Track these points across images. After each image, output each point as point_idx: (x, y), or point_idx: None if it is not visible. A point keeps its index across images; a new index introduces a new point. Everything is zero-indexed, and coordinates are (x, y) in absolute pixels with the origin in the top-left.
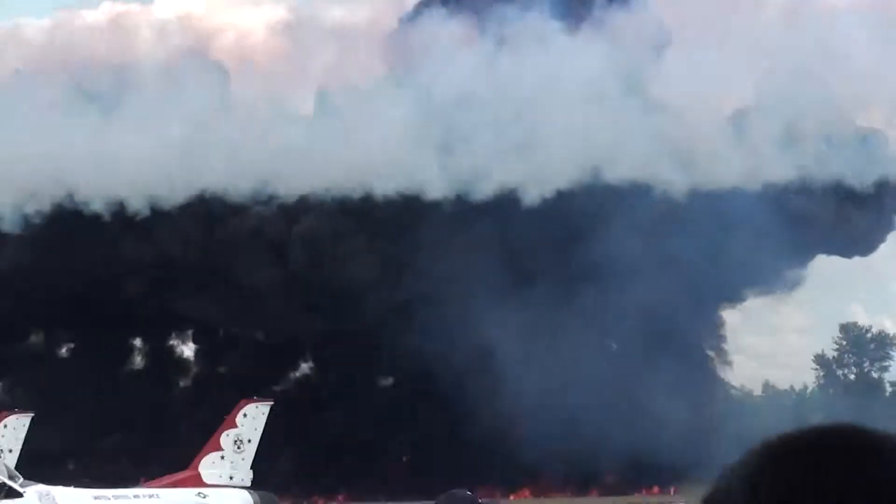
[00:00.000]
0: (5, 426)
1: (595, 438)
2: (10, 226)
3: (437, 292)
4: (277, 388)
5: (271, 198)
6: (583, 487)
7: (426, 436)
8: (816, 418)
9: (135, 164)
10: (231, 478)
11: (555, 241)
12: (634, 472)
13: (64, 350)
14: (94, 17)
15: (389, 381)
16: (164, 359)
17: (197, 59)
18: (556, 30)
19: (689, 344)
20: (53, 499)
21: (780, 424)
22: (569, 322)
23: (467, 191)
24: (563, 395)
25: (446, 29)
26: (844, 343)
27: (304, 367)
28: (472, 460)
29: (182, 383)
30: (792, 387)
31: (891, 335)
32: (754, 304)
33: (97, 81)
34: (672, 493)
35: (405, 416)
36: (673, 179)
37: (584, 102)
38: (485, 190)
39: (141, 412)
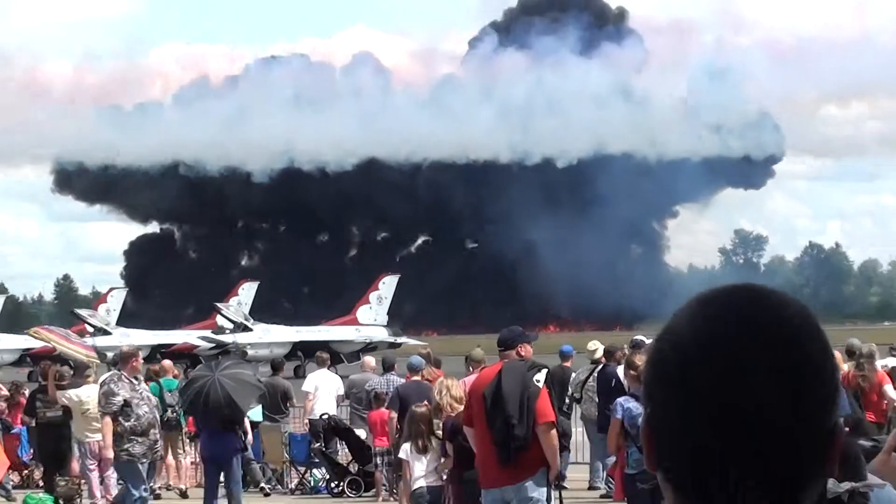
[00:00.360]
0: (243, 289)
1: (594, 295)
2: (261, 176)
3: (505, 211)
4: (403, 255)
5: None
6: (581, 325)
7: (495, 293)
8: None
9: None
10: (375, 319)
11: (576, 185)
12: (617, 316)
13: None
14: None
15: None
16: (345, 249)
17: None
18: (574, 55)
19: (649, 240)
20: (270, 332)
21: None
22: (581, 228)
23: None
24: (578, 271)
25: (500, 52)
26: (737, 241)
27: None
28: (522, 309)
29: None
30: (706, 267)
31: (763, 236)
32: (686, 216)
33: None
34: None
35: (484, 281)
36: (645, 151)
37: (594, 101)
38: (536, 153)
39: (325, 278)
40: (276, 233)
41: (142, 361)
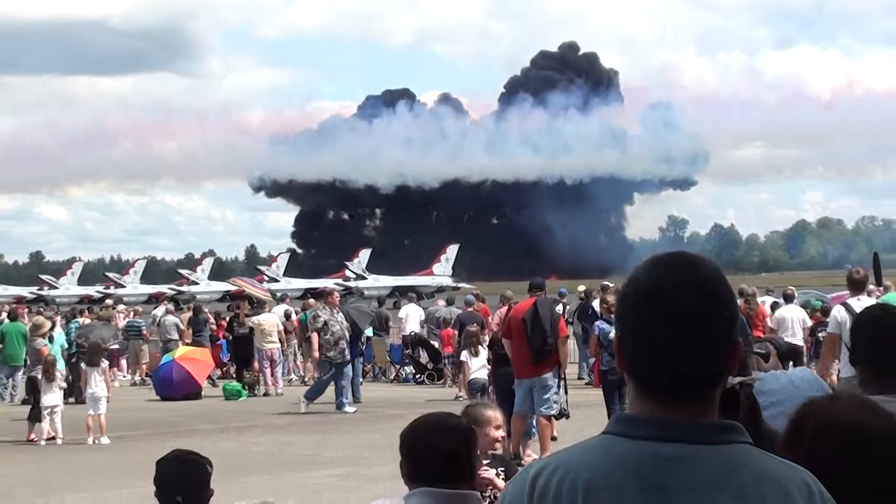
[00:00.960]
0: (363, 252)
1: (582, 256)
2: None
3: (531, 206)
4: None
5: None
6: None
7: (522, 255)
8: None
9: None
10: (443, 272)
11: (576, 190)
12: (596, 269)
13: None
14: None
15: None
16: (428, 228)
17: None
18: (574, 110)
19: (618, 221)
20: (378, 279)
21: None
22: (577, 215)
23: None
24: (575, 241)
25: (522, 106)
26: (669, 223)
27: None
28: (539, 265)
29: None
30: (651, 238)
31: (686, 219)
32: (639, 206)
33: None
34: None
35: (516, 248)
36: (619, 169)
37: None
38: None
39: (415, 246)
40: (387, 218)
41: (338, 297)
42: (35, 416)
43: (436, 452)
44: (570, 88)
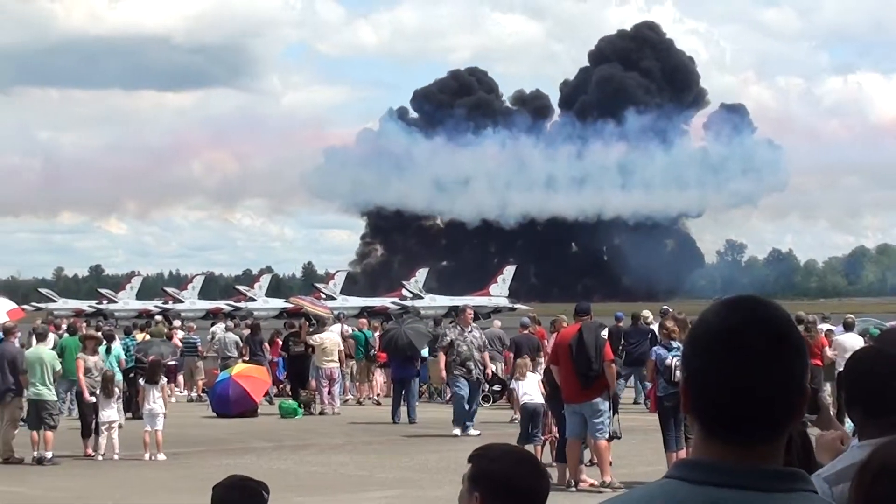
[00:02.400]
0: (419, 272)
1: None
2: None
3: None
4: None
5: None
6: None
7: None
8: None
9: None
10: (500, 293)
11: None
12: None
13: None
14: None
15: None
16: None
17: None
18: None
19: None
20: (435, 299)
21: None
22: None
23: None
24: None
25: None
26: (727, 246)
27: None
28: (604, 288)
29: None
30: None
31: (747, 246)
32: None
33: None
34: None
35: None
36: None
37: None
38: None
39: (472, 267)
40: (444, 241)
41: (470, 316)
42: (86, 432)
43: (521, 488)
44: (640, 112)
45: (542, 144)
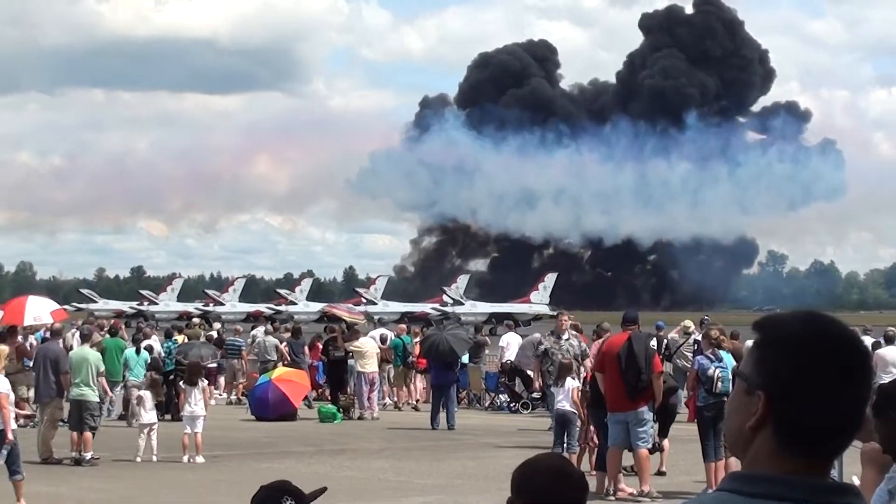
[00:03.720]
0: (460, 278)
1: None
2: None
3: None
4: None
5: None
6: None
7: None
8: None
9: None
10: (540, 300)
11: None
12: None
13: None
14: None
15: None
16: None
17: None
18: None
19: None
20: (475, 305)
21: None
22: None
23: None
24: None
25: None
26: (769, 258)
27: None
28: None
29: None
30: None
31: (788, 256)
32: None
33: None
34: None
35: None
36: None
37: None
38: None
39: (511, 275)
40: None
41: (567, 322)
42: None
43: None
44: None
45: (602, 154)
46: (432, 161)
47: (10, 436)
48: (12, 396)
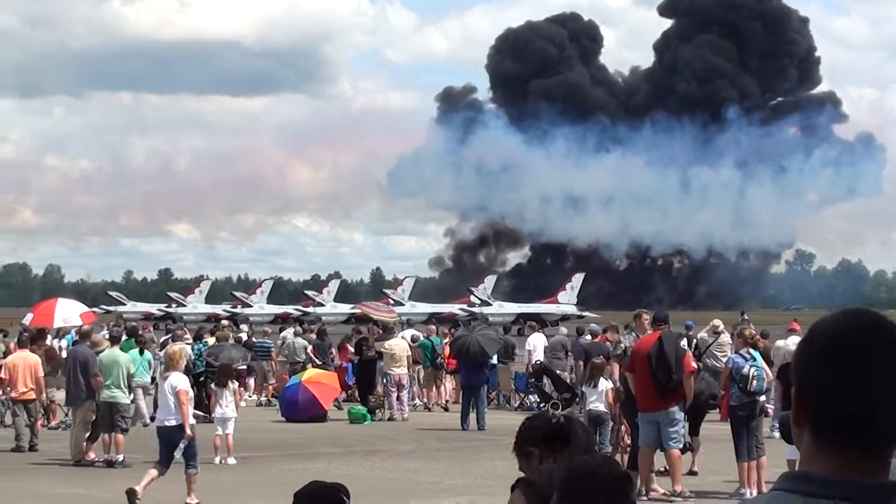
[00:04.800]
0: (487, 279)
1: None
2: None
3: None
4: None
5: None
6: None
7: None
8: None
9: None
10: (568, 300)
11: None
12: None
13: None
14: None
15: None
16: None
17: None
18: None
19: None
20: (503, 306)
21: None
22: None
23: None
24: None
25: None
26: (796, 256)
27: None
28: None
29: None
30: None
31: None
32: None
33: None
34: None
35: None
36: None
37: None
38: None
39: (543, 277)
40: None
41: (647, 320)
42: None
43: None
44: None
45: (642, 157)
46: (463, 159)
47: (188, 431)
48: (191, 393)
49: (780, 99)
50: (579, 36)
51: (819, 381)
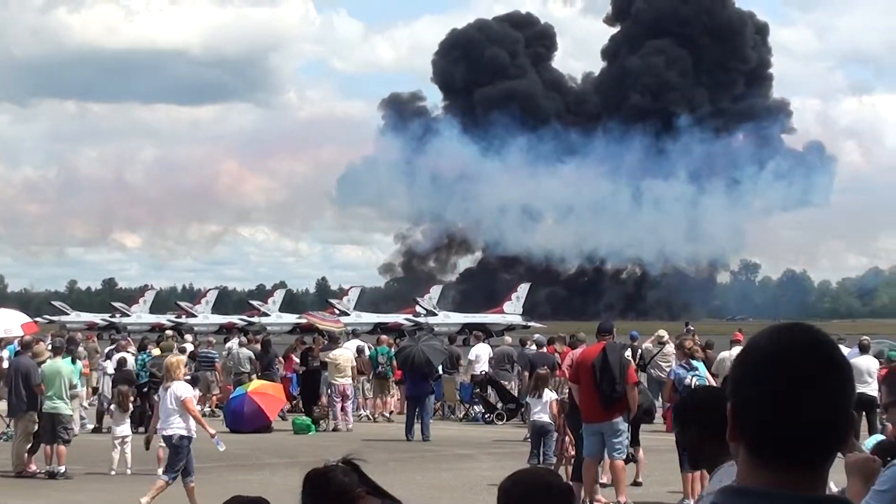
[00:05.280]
0: (433, 289)
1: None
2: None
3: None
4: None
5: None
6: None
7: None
8: None
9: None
10: (514, 311)
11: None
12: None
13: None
14: None
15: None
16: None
17: None
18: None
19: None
20: (448, 316)
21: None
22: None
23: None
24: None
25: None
26: (742, 266)
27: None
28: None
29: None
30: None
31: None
32: None
33: None
34: None
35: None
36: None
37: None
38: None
39: (486, 287)
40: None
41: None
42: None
43: None
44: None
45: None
46: (412, 167)
47: (210, 430)
48: (195, 395)
49: (729, 106)
50: (532, 41)
51: (753, 397)
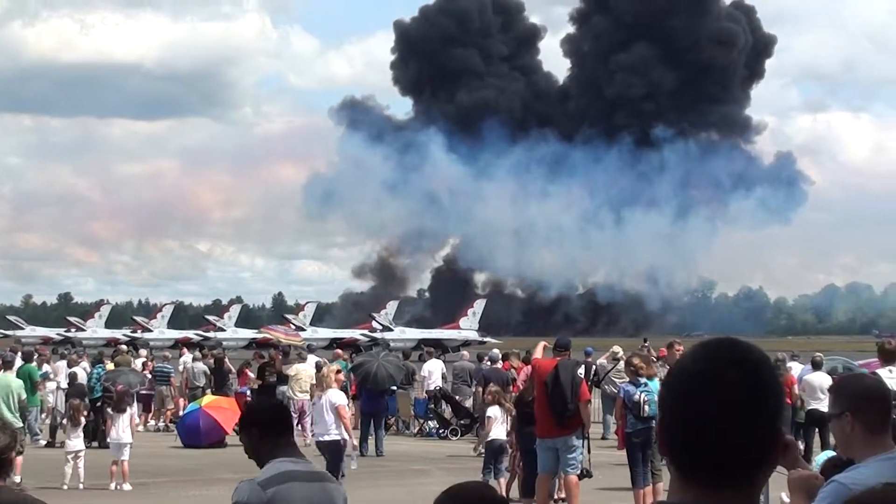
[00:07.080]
0: (389, 304)
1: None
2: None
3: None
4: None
5: None
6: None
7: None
8: None
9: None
10: (469, 327)
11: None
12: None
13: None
14: None
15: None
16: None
17: None
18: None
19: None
20: (404, 332)
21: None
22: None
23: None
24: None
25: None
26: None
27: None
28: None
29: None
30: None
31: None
32: None
33: None
34: None
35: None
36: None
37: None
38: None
39: (444, 304)
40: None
41: (681, 349)
42: None
43: None
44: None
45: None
46: (373, 182)
47: (352, 441)
48: (346, 404)
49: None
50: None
51: (676, 413)
